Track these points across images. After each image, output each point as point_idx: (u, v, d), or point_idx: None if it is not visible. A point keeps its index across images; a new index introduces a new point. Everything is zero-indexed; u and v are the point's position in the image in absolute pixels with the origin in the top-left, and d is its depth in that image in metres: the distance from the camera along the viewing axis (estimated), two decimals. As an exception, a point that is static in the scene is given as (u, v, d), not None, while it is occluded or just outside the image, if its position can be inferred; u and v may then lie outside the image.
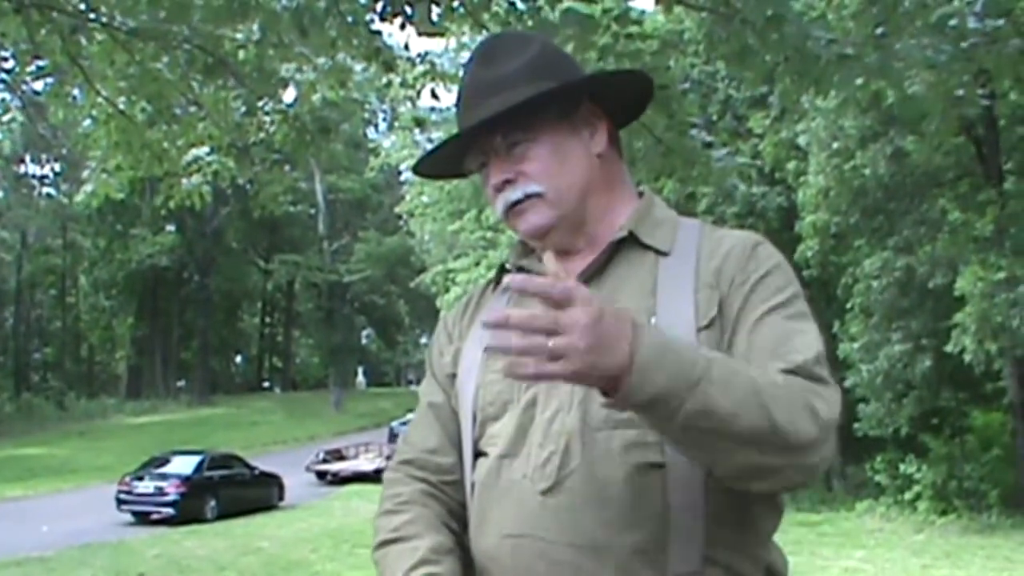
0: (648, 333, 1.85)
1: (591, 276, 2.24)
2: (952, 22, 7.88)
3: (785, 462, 1.93)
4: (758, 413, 1.87)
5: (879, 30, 8.21)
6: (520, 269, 2.38)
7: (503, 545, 2.15)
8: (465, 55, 35.94)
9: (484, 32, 8.49)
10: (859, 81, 8.19)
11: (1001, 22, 7.99)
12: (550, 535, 2.07)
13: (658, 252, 2.24)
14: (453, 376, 2.40)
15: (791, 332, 2.07)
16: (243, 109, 12.47)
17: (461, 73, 2.45)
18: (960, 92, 8.32)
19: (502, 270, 2.45)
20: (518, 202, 2.25)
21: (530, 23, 8.30)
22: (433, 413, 2.45)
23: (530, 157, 2.24)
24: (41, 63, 11.80)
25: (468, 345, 2.39)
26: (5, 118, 17.21)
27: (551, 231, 2.27)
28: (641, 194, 2.42)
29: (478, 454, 2.29)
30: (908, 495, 28.41)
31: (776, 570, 2.25)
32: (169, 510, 30.58)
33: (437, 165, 2.50)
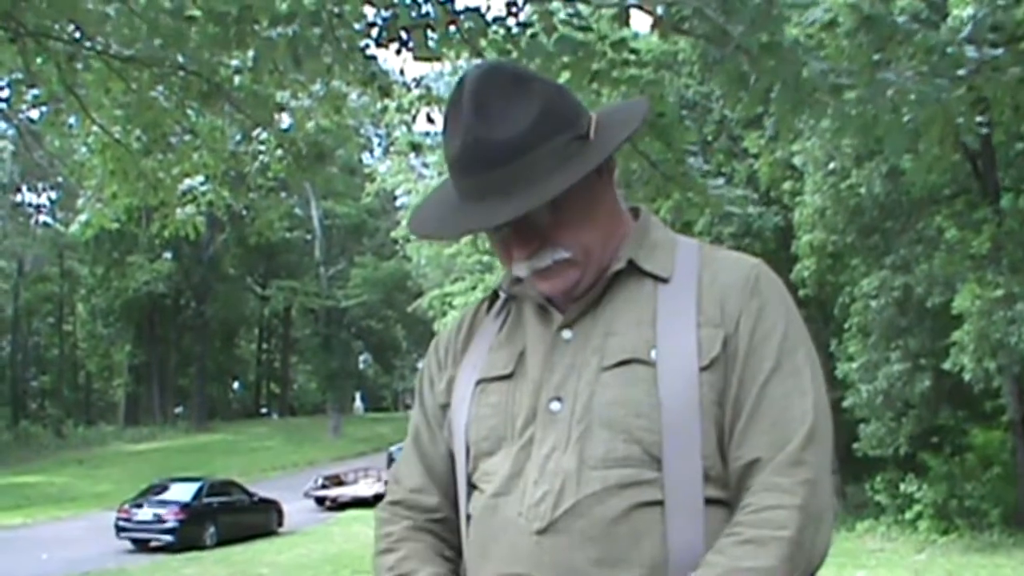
0: None
1: (587, 308, 2.21)
2: (949, 49, 7.87)
3: None
4: None
5: (876, 56, 8.21)
6: (512, 296, 2.36)
7: None
8: (460, 79, 35.96)
9: (480, 58, 8.47)
10: (852, 110, 8.19)
11: (1000, 51, 7.99)
12: (545, 575, 2.05)
13: (657, 279, 2.19)
14: (445, 407, 2.36)
15: (790, 401, 2.08)
16: (238, 137, 12.49)
17: (447, 108, 2.24)
18: (960, 120, 8.31)
19: (495, 295, 2.42)
20: (545, 268, 2.18)
21: (526, 49, 8.28)
22: (418, 451, 2.43)
23: (554, 224, 2.15)
24: (36, 92, 11.80)
25: (461, 373, 2.35)
26: (0, 146, 17.21)
27: (576, 287, 2.21)
28: (636, 213, 2.36)
29: (473, 486, 2.26)
30: (909, 514, 28.36)
31: None
32: (168, 537, 30.57)
33: (440, 225, 2.36)
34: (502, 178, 2.09)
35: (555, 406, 2.13)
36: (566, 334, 2.20)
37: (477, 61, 7.41)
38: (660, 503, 2.03)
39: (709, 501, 2.05)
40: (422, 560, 2.28)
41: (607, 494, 2.04)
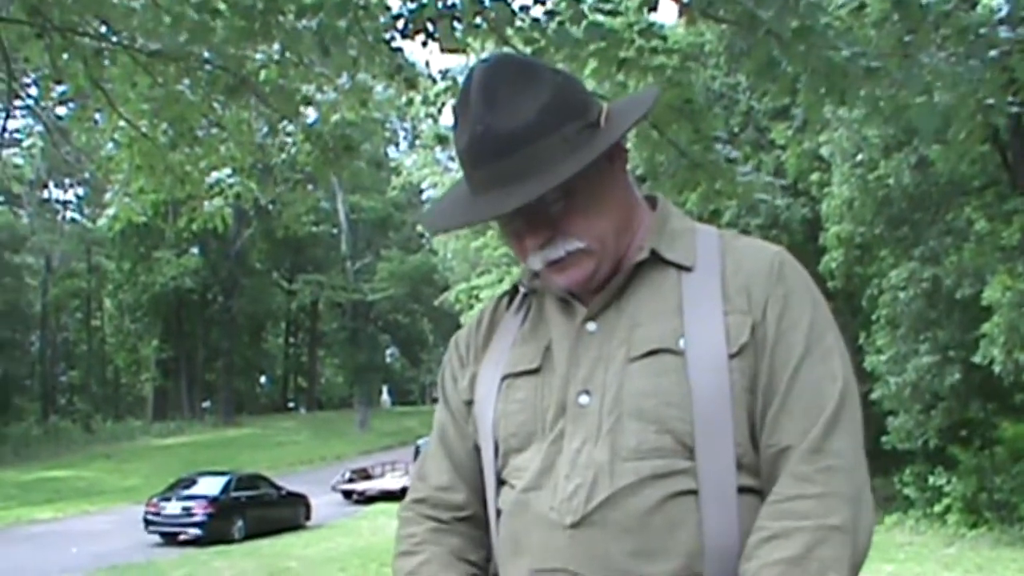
0: None
1: (611, 299, 2.19)
2: (982, 30, 7.81)
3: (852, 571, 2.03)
4: None
5: (907, 37, 8.15)
6: (532, 291, 2.34)
7: None
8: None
9: (508, 48, 8.44)
10: (884, 93, 8.14)
11: (1034, 31, 7.93)
12: (580, 569, 2.04)
13: (680, 267, 2.18)
14: (469, 403, 2.34)
15: (820, 387, 2.07)
16: (265, 130, 12.49)
17: (456, 101, 2.22)
18: (990, 101, 8.24)
19: (515, 290, 2.40)
20: (559, 260, 2.15)
21: (553, 37, 8.25)
22: (444, 448, 2.42)
23: (567, 212, 2.12)
24: (63, 88, 11.83)
25: (484, 369, 2.33)
26: (27, 143, 17.28)
27: (593, 279, 2.18)
28: (653, 202, 2.34)
29: (502, 482, 2.24)
30: (938, 508, 28.26)
31: None
32: (196, 531, 30.72)
33: (450, 218, 2.34)
34: (511, 167, 2.06)
35: (584, 399, 2.11)
36: (591, 326, 2.18)
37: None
38: (694, 492, 2.02)
39: (742, 489, 2.04)
40: (443, 565, 2.27)
41: (641, 485, 2.02)
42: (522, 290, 2.37)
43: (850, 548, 1.98)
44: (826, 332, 2.13)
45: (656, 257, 2.18)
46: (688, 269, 2.17)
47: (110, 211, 13.92)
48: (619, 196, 2.21)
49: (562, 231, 2.12)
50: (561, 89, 2.12)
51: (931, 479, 28.33)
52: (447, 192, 2.35)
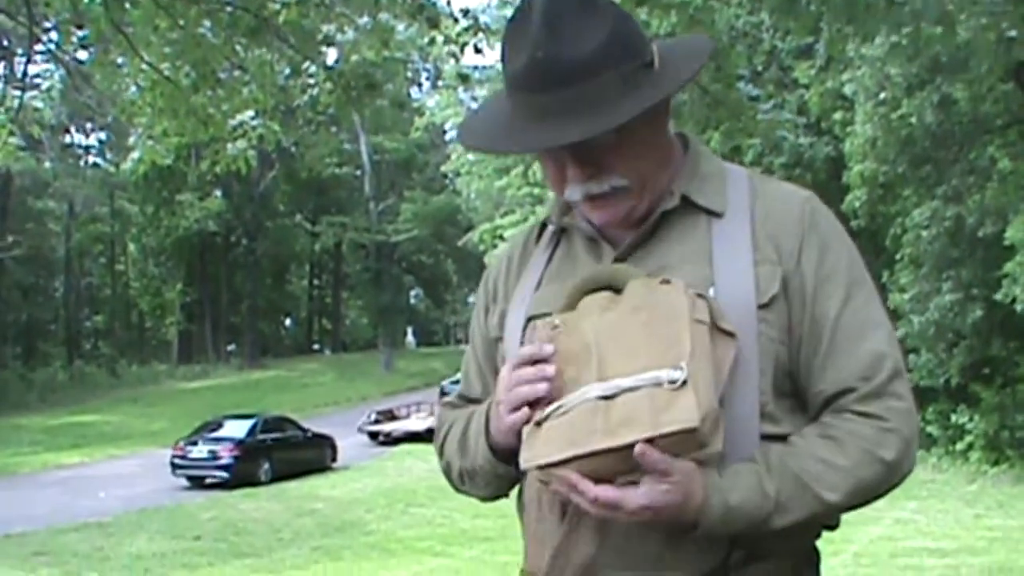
0: (714, 501, 1.96)
1: (638, 244, 2.19)
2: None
3: (868, 501, 2.09)
4: (825, 508, 2.03)
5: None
6: (563, 230, 2.34)
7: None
8: (509, 10, 35.78)
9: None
10: (906, 27, 8.11)
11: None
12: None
13: (711, 213, 2.18)
14: (498, 339, 2.37)
15: (865, 333, 2.11)
16: (287, 71, 12.49)
17: (508, 20, 2.18)
18: (1012, 33, 8.21)
19: (543, 227, 2.41)
20: (601, 195, 2.15)
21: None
22: (476, 366, 2.48)
23: (614, 149, 2.10)
24: (84, 32, 11.83)
25: (512, 308, 2.34)
26: (45, 86, 17.27)
27: (629, 218, 2.19)
28: (684, 141, 2.33)
29: None
30: (960, 445, 28.23)
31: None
32: (223, 474, 30.94)
33: (496, 140, 2.32)
34: (569, 99, 2.05)
35: None
36: None
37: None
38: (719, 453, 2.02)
39: (764, 436, 2.06)
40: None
41: None
42: (551, 227, 2.37)
43: (886, 483, 2.05)
44: (864, 277, 2.16)
45: (686, 202, 2.19)
46: (718, 215, 2.17)
47: (135, 154, 13.97)
48: (662, 139, 2.22)
49: (608, 167, 2.12)
50: (622, 23, 2.11)
51: (953, 417, 28.27)
52: (484, 109, 2.35)
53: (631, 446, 1.85)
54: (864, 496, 2.04)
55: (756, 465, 2.01)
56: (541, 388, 1.99)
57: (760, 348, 2.06)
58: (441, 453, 2.43)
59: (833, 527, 2.21)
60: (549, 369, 1.99)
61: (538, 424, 1.97)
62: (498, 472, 2.26)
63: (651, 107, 2.06)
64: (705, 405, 1.85)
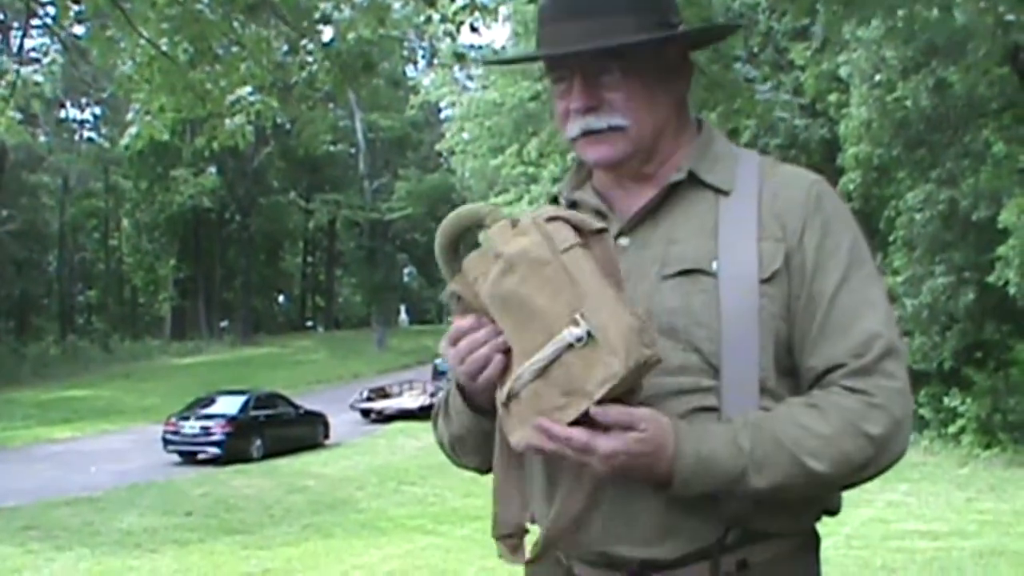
0: (686, 449, 1.99)
1: (646, 215, 2.24)
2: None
3: (856, 479, 2.09)
4: (808, 476, 2.03)
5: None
6: (573, 204, 2.37)
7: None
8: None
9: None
10: (903, 10, 8.13)
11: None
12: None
13: (718, 191, 2.23)
14: None
15: (860, 312, 2.13)
16: (285, 48, 12.49)
17: None
18: (1010, 17, 8.23)
19: (555, 201, 2.44)
20: (598, 131, 2.22)
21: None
22: None
23: (619, 88, 2.19)
24: (81, 6, 11.82)
25: None
26: (46, 61, 17.20)
27: (621, 164, 2.25)
28: (700, 126, 2.38)
29: None
30: (952, 428, 28.29)
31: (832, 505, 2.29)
32: (215, 450, 30.95)
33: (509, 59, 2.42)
34: (586, 26, 2.16)
35: None
36: (623, 241, 2.23)
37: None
38: (716, 410, 2.08)
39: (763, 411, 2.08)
40: None
41: (658, 399, 2.06)
42: (562, 201, 2.41)
43: (870, 459, 2.04)
44: (864, 260, 2.19)
45: (694, 179, 2.24)
46: (725, 193, 2.22)
47: (132, 130, 13.94)
48: (672, 104, 2.29)
49: (609, 103, 2.20)
50: None
51: (946, 400, 28.32)
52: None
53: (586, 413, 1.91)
54: (850, 471, 2.05)
55: (731, 423, 2.04)
56: (483, 353, 2.06)
57: (761, 322, 2.10)
58: (435, 427, 2.47)
59: (834, 512, 2.25)
60: (479, 335, 2.08)
61: (505, 405, 2.03)
62: (481, 428, 2.28)
63: (660, 57, 2.21)
64: (619, 343, 1.89)
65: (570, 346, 1.91)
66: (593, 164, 2.31)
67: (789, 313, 2.13)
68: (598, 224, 2.04)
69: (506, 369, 2.03)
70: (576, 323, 1.91)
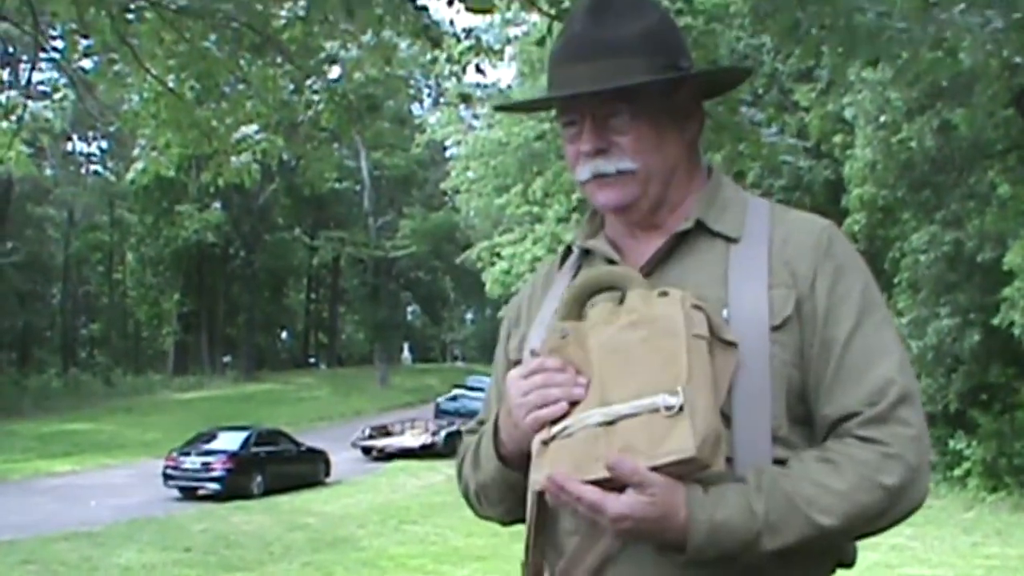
0: (700, 516, 1.96)
1: (656, 265, 2.22)
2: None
3: (872, 530, 2.07)
4: (822, 533, 1.99)
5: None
6: (586, 252, 2.37)
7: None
8: (510, 31, 35.86)
9: (534, 8, 8.45)
10: (906, 55, 8.12)
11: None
12: None
13: (727, 239, 2.21)
14: (517, 362, 2.35)
15: (873, 358, 2.10)
16: (291, 87, 12.51)
17: (563, 28, 2.37)
18: (1017, 60, 8.23)
19: (568, 250, 2.44)
20: (606, 175, 2.22)
21: None
22: (496, 391, 2.48)
23: (628, 131, 2.19)
24: (89, 41, 11.85)
25: (533, 330, 2.37)
26: (56, 96, 17.27)
27: (630, 209, 2.25)
28: (709, 173, 2.38)
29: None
30: (958, 472, 28.22)
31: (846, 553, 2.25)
32: (216, 486, 30.84)
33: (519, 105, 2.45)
34: (596, 68, 2.18)
35: None
36: None
37: (529, 12, 7.38)
38: (729, 460, 2.03)
39: (776, 461, 2.06)
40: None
41: None
42: (575, 250, 2.41)
43: (889, 511, 2.03)
44: (877, 304, 2.18)
45: (703, 227, 2.23)
46: (735, 240, 2.21)
47: (138, 165, 13.98)
48: (682, 149, 2.29)
49: (618, 145, 2.20)
50: (662, 24, 2.27)
51: (951, 443, 28.24)
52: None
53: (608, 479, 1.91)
54: (865, 523, 2.03)
55: (745, 485, 2.00)
56: (554, 393, 2.04)
57: (773, 371, 2.08)
58: (460, 475, 2.47)
59: (849, 564, 2.22)
60: (559, 377, 2.05)
61: (544, 443, 2.02)
62: (508, 481, 2.28)
63: (668, 100, 2.23)
64: (702, 431, 1.88)
65: (655, 411, 1.91)
66: (602, 208, 2.30)
67: (802, 360, 2.11)
68: (731, 337, 2.04)
69: (559, 419, 2.03)
70: (675, 393, 1.91)
